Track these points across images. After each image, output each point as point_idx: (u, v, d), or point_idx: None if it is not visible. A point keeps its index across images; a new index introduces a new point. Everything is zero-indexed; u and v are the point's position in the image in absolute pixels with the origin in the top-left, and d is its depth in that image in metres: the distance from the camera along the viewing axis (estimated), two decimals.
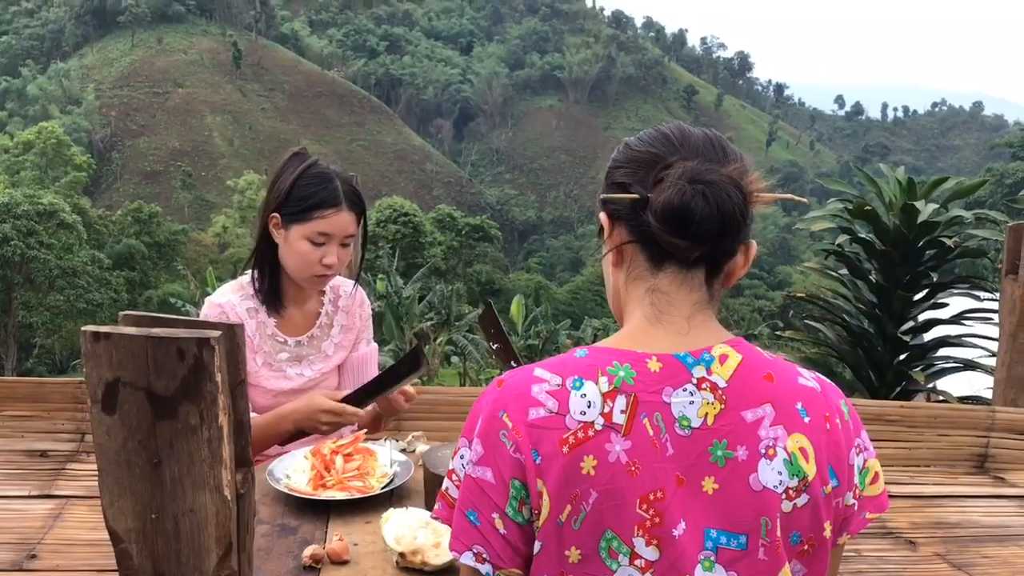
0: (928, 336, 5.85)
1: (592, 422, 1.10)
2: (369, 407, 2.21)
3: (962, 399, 5.41)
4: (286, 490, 1.91)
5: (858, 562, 2.74)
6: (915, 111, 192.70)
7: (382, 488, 1.92)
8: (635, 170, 1.20)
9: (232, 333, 1.10)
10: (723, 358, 1.15)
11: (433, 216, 65.41)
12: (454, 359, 38.84)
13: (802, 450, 1.14)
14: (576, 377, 1.13)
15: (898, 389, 5.60)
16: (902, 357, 5.58)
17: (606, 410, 1.10)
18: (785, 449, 1.13)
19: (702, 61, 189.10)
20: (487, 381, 33.11)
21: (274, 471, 1.99)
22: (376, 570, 1.65)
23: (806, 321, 6.09)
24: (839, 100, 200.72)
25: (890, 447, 3.59)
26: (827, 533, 1.16)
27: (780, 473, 1.12)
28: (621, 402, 1.10)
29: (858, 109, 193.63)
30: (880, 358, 5.77)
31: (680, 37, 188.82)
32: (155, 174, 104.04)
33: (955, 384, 5.74)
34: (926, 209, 5.47)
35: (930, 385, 5.81)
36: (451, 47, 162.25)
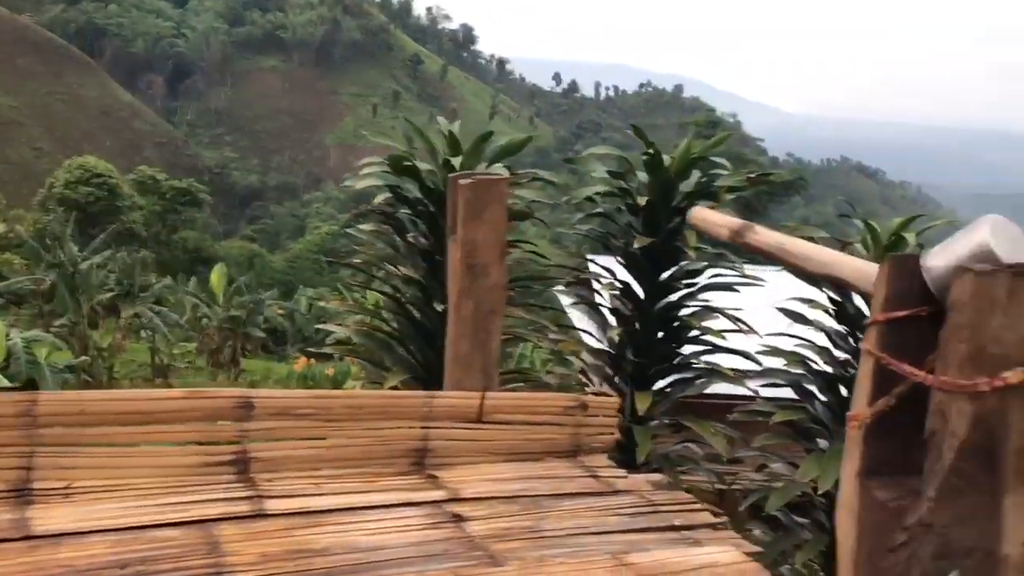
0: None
1: None
2: None
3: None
4: None
5: None
6: (624, 91, 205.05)
7: None
8: None
9: None
10: None
11: (133, 178, 60.28)
12: (144, 333, 35.76)
13: None
14: None
15: None
16: None
17: None
18: None
19: (427, 31, 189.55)
20: (181, 356, 30.34)
21: None
22: None
23: (363, 289, 5.47)
24: (556, 77, 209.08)
25: (305, 448, 2.92)
26: None
27: None
28: None
29: (574, 87, 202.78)
30: (436, 330, 5.23)
31: (406, 5, 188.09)
32: None
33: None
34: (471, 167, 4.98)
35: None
36: None
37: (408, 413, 2.98)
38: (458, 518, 2.69)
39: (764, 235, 1.81)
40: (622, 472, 3.23)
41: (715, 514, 2.94)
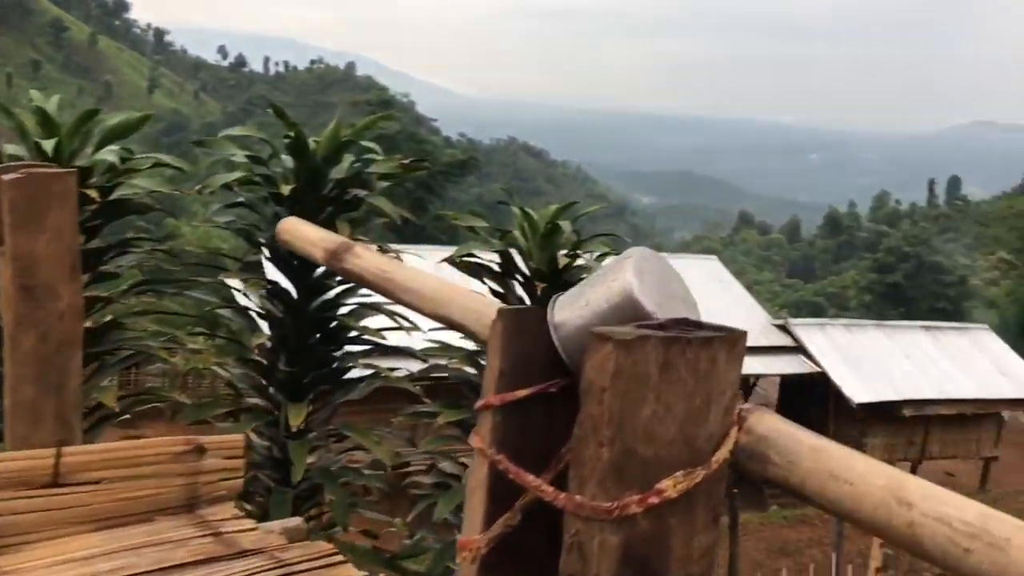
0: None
1: None
2: None
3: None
4: None
5: None
6: (295, 67, 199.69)
7: None
8: None
9: None
10: None
11: None
12: None
13: None
14: None
15: None
16: None
17: None
18: None
19: None
20: None
21: None
22: None
23: None
24: (222, 50, 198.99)
25: None
26: None
27: None
28: None
29: (241, 61, 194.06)
30: None
31: None
32: None
33: None
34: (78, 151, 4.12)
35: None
36: None
37: None
38: None
39: (366, 260, 1.34)
40: (250, 523, 2.68)
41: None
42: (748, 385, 24.83)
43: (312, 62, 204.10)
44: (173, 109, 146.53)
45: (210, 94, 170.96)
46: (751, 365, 23.56)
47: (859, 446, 25.16)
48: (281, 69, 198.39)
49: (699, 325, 0.91)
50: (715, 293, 25.41)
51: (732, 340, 0.88)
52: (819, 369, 23.43)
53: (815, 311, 56.89)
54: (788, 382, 25.90)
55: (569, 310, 1.01)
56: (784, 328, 25.00)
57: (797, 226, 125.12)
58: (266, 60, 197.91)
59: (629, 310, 0.93)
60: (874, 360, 24.08)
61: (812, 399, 24.86)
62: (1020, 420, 31.98)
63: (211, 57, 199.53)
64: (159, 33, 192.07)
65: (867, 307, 51.93)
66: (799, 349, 24.05)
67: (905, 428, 23.68)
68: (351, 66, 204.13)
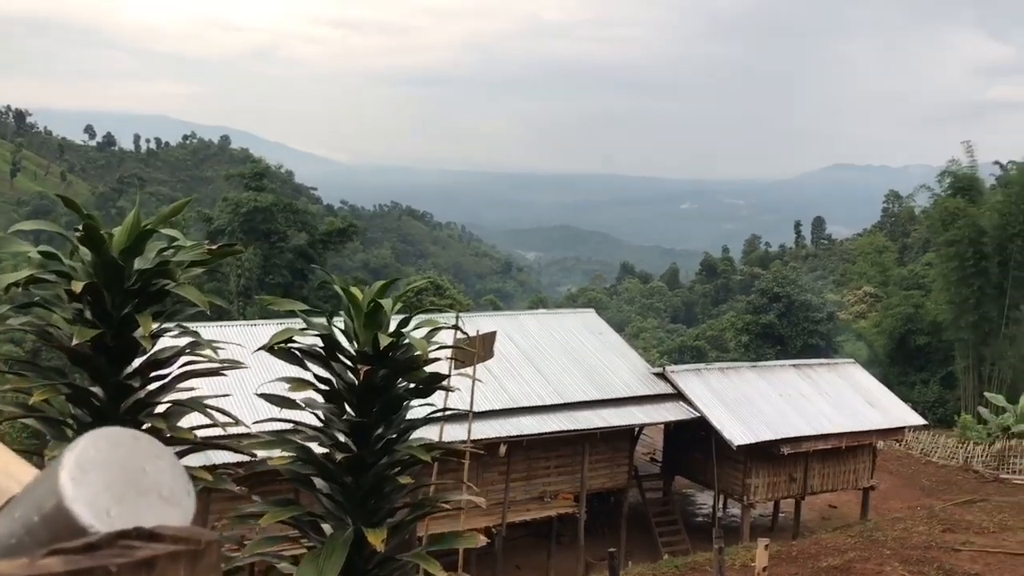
0: None
1: None
2: None
3: None
4: None
5: None
6: (167, 143, 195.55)
7: None
8: None
9: None
10: None
11: None
12: None
13: None
14: None
15: None
16: None
17: None
18: None
19: None
20: None
21: None
22: None
23: None
24: (89, 130, 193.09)
25: None
26: None
27: None
28: None
29: (110, 140, 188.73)
30: None
31: None
32: None
33: None
34: None
35: None
36: None
37: None
38: None
39: None
40: None
41: None
42: (634, 435, 25.04)
43: (185, 137, 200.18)
44: (40, 192, 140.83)
45: (78, 175, 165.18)
46: (634, 415, 23.78)
47: (743, 487, 25.35)
48: (153, 146, 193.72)
49: (155, 537, 0.69)
50: (594, 346, 25.69)
51: (194, 554, 0.68)
52: (698, 414, 23.83)
53: (698, 354, 58.26)
54: (672, 429, 26.26)
55: (5, 523, 0.78)
56: (663, 376, 25.38)
57: (676, 273, 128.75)
58: (136, 138, 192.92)
59: (61, 523, 0.70)
60: (750, 401, 24.66)
61: (695, 444, 25.24)
62: (894, 448, 33.25)
63: (78, 138, 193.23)
64: (20, 115, 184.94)
65: (745, 347, 53.44)
66: (679, 396, 24.44)
67: (786, 466, 24.26)
68: (225, 139, 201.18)
